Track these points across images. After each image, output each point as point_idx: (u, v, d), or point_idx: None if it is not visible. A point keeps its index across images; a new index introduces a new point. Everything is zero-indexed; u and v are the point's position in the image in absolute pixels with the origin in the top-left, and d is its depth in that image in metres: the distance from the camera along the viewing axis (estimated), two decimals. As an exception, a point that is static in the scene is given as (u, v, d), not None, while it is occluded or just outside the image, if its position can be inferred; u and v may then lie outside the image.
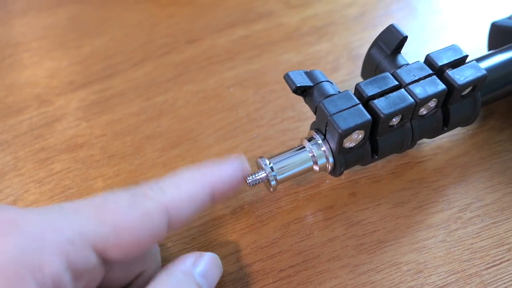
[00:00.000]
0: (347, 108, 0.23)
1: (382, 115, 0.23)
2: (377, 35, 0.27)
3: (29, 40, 0.37)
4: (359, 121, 0.22)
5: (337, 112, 0.23)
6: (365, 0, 0.38)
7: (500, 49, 0.28)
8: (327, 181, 0.28)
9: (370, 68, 0.27)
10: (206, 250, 0.26)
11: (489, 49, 0.32)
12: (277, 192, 0.28)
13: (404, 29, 0.34)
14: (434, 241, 0.26)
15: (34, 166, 0.30)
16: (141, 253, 0.20)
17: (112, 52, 0.36)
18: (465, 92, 0.25)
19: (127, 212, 0.18)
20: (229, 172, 0.22)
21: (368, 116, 0.23)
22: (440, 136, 0.29)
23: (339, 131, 0.22)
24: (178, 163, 0.30)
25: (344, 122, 0.22)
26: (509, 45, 0.28)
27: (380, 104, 0.23)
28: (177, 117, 0.32)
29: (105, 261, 0.18)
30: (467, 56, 0.25)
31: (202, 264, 0.21)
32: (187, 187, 0.20)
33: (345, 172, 0.28)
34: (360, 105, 0.23)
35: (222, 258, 0.26)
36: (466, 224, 0.26)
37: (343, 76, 0.33)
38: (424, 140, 0.29)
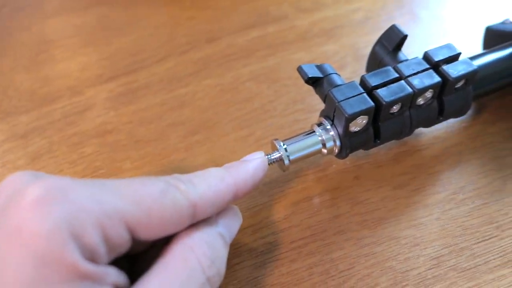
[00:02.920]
0: (353, 96, 0.26)
1: (384, 103, 0.26)
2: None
3: (61, 38, 0.41)
4: (363, 107, 0.25)
5: (344, 99, 0.26)
6: (370, 7, 0.41)
7: (491, 49, 0.31)
8: (334, 165, 0.31)
9: (374, 63, 0.30)
10: (224, 224, 0.29)
11: (483, 51, 0.35)
12: (288, 174, 0.31)
13: (409, 32, 0.37)
14: (430, 219, 0.28)
15: (68, 149, 0.33)
16: (164, 236, 0.21)
17: (138, 50, 0.40)
18: (458, 85, 0.28)
19: (160, 200, 0.20)
20: (252, 172, 0.24)
21: (372, 103, 0.26)
22: (438, 127, 0.32)
23: (346, 115, 0.25)
24: (198, 148, 0.33)
25: (350, 107, 0.25)
26: (500, 45, 0.31)
27: (382, 93, 0.26)
28: (197, 107, 0.35)
29: (133, 238, 0.20)
30: (460, 53, 0.28)
31: (223, 215, 0.23)
32: (216, 186, 0.22)
33: (350, 158, 0.31)
34: (365, 94, 0.26)
35: (239, 231, 0.28)
36: (459, 204, 0.29)
37: (349, 73, 0.36)
38: (423, 130, 0.32)
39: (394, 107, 0.27)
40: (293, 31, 0.40)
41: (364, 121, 0.26)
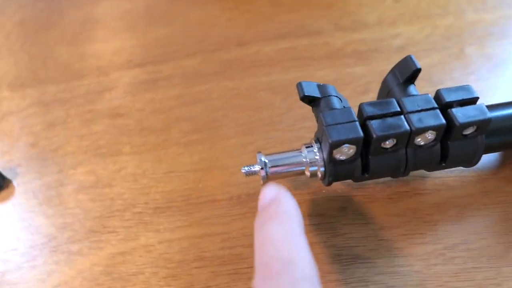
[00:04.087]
0: (344, 123, 0.24)
1: (374, 136, 0.24)
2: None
3: (107, 20, 0.43)
4: (350, 136, 0.24)
5: (332, 124, 0.24)
6: (413, 34, 0.39)
7: (521, 99, 0.28)
8: (324, 191, 0.30)
9: (383, 93, 0.28)
10: (199, 226, 0.29)
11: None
12: (274, 190, 0.30)
13: (445, 67, 0.35)
14: (409, 270, 0.26)
15: (80, 124, 0.35)
16: None
17: (171, 42, 0.41)
18: (467, 132, 0.25)
19: None
20: None
21: (361, 134, 0.24)
22: (447, 173, 0.30)
23: (329, 141, 0.24)
24: (196, 146, 0.33)
25: (336, 133, 0.24)
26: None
27: (375, 125, 0.24)
28: (208, 107, 0.35)
29: None
30: (477, 97, 0.25)
31: None
32: None
33: (342, 187, 0.30)
34: (357, 122, 0.24)
35: (209, 236, 0.28)
36: (447, 262, 0.26)
37: (370, 99, 0.34)
38: (429, 173, 0.30)
39: (387, 142, 0.25)
40: (324, 48, 0.39)
41: (351, 151, 0.25)
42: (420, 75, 0.34)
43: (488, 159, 0.30)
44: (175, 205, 0.30)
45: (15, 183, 0.32)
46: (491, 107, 0.27)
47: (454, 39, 0.38)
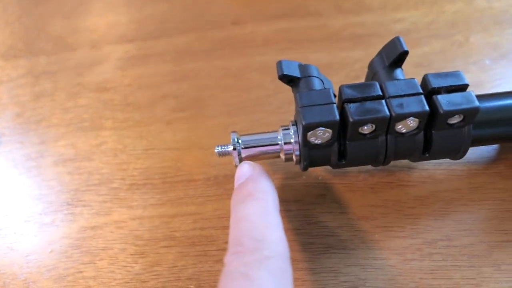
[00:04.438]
0: (320, 105, 0.23)
1: (350, 119, 0.23)
2: (413, 53, 0.26)
3: (104, -6, 0.43)
4: (325, 119, 0.23)
5: (308, 105, 0.23)
6: (416, 19, 0.37)
7: (517, 90, 0.26)
8: (304, 176, 0.28)
9: (369, 76, 0.27)
10: (172, 205, 0.28)
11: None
12: (252, 173, 0.29)
13: (447, 55, 0.33)
14: (383, 263, 0.25)
15: (66, 97, 0.35)
16: None
17: (167, 18, 0.40)
18: (453, 121, 0.23)
19: None
20: None
21: (337, 117, 0.23)
22: (435, 165, 0.28)
23: (303, 123, 0.23)
24: (180, 125, 0.32)
25: (311, 116, 0.23)
26: (533, 89, 0.26)
27: (353, 108, 0.23)
28: (196, 85, 0.34)
29: None
30: (467, 85, 0.23)
31: None
32: None
33: (323, 173, 0.28)
34: (334, 105, 0.23)
35: (182, 215, 0.27)
36: (425, 258, 0.25)
37: (362, 85, 0.33)
38: (416, 165, 0.28)
39: (365, 128, 0.23)
40: (323, 30, 0.37)
41: (326, 135, 0.23)
42: (419, 62, 0.32)
43: (480, 152, 0.28)
44: (151, 182, 0.29)
45: (-3, 152, 0.32)
46: (482, 97, 0.25)
47: (460, 26, 0.36)
